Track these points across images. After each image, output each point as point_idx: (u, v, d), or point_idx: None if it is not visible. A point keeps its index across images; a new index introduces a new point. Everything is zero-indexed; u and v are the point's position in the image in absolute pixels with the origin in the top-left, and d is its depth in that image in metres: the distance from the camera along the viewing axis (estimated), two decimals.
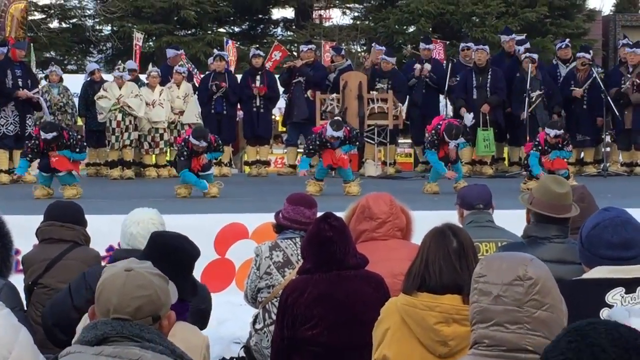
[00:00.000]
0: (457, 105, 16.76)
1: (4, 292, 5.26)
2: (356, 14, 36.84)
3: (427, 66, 17.42)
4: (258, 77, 17.33)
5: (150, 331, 3.28)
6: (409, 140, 20.56)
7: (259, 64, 17.65)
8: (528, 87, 15.89)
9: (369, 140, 16.62)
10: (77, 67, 34.19)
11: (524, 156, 15.04)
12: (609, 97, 15.96)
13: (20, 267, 6.79)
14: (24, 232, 7.15)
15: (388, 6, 33.96)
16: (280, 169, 18.97)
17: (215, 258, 10.03)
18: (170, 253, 4.66)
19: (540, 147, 13.36)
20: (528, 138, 15.35)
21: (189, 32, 35.10)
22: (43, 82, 17.98)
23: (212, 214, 10.84)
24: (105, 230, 8.78)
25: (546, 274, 3.26)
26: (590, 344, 2.42)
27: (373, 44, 19.72)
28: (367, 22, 35.13)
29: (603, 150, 17.09)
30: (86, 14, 35.35)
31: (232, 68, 22.34)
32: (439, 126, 13.40)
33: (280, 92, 18.01)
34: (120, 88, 16.68)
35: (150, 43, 32.89)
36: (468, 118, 15.72)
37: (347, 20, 36.53)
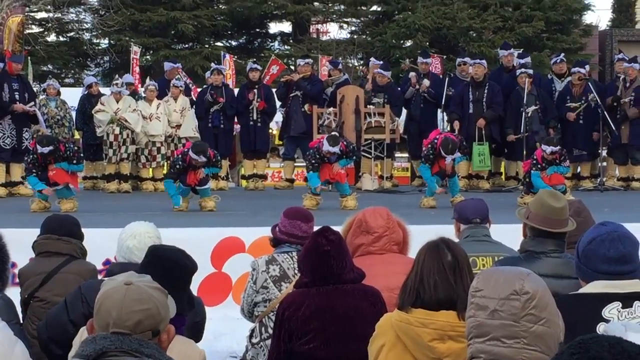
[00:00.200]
0: (451, 118, 16.75)
1: (0, 306, 5.25)
2: (353, 28, 36.91)
3: (426, 82, 17.43)
4: (255, 91, 17.34)
5: (149, 346, 3.27)
6: (406, 155, 20.57)
7: (256, 77, 17.67)
8: (524, 102, 15.91)
9: (366, 155, 16.63)
10: (75, 81, 34.21)
11: (522, 171, 15.06)
12: (605, 111, 15.98)
13: (17, 280, 6.77)
14: (21, 246, 7.15)
15: (385, 21, 34.03)
16: (277, 183, 18.96)
17: (211, 272, 10.02)
18: (168, 267, 4.66)
19: (538, 165, 13.36)
20: (525, 153, 15.38)
21: (187, 45, 35.15)
22: (41, 96, 17.97)
23: (209, 227, 10.83)
24: (101, 243, 8.78)
25: (543, 289, 3.26)
26: (592, 357, 2.42)
27: (371, 59, 19.74)
28: (364, 37, 35.19)
29: (599, 164, 17.11)
30: (84, 27, 35.40)
31: (230, 82, 22.36)
32: (436, 140, 13.40)
33: (277, 106, 18.03)
34: (117, 102, 16.69)
35: (148, 57, 32.92)
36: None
37: (344, 34, 36.62)
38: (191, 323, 5.16)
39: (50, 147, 12.72)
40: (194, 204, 13.27)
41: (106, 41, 35.01)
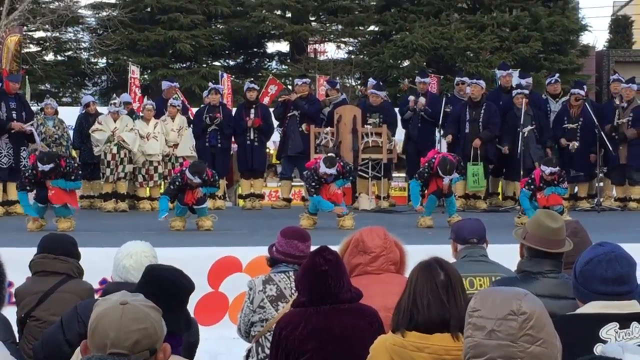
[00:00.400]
0: (445, 133, 16.72)
1: None
2: (351, 48, 36.96)
3: (422, 100, 17.44)
4: (252, 111, 17.36)
5: None
6: (403, 174, 20.58)
7: (253, 97, 17.70)
8: (521, 122, 15.94)
9: (363, 174, 16.63)
10: (72, 100, 34.25)
11: (519, 191, 15.07)
12: (602, 133, 16.00)
13: (13, 299, 6.77)
14: (17, 265, 7.13)
15: (382, 40, 34.10)
16: (275, 202, 18.96)
17: (208, 291, 10.02)
18: (165, 287, 4.65)
19: (533, 185, 13.37)
20: (522, 173, 15.40)
21: (184, 65, 35.21)
22: (39, 115, 17.97)
23: (206, 247, 10.83)
24: (98, 263, 8.76)
25: (540, 309, 3.26)
26: None
27: (370, 79, 19.78)
28: (361, 57, 35.26)
29: (596, 185, 17.11)
30: (81, 46, 35.44)
31: (227, 101, 22.38)
32: (433, 160, 13.42)
33: (275, 126, 18.04)
34: (115, 121, 16.71)
35: (146, 76, 32.96)
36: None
37: (341, 54, 36.68)
38: (186, 343, 5.15)
39: (51, 165, 12.73)
40: (191, 223, 13.27)
41: (104, 60, 35.04)
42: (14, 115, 15.95)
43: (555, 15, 33.20)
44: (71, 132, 18.20)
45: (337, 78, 28.81)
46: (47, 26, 32.07)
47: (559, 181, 13.48)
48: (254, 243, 10.54)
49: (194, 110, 19.36)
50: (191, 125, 17.57)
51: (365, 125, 16.64)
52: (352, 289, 5.31)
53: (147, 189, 17.27)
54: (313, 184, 13.35)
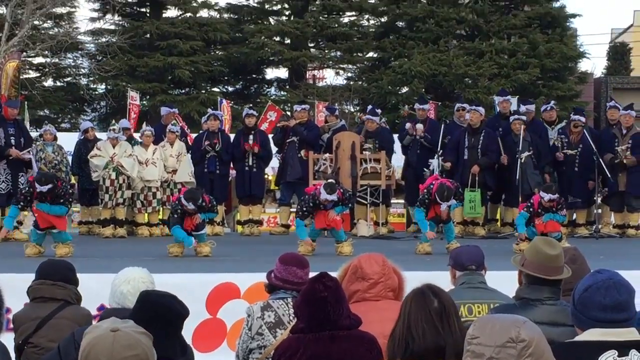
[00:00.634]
0: (442, 161, 16.68)
1: None
2: (350, 74, 37.12)
3: (420, 126, 17.44)
4: (251, 137, 17.37)
5: None
6: (401, 201, 20.58)
7: (252, 123, 17.71)
8: (519, 148, 15.95)
9: (361, 200, 16.63)
10: (71, 126, 34.34)
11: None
12: (600, 160, 16.00)
13: (11, 325, 6.75)
14: (15, 291, 7.13)
15: (381, 67, 34.23)
16: (273, 228, 18.95)
17: (206, 318, 9.99)
18: (161, 312, 4.64)
19: (532, 209, 13.38)
20: (520, 199, 15.41)
21: (183, 91, 35.33)
22: (38, 141, 17.97)
23: (204, 273, 10.81)
24: (96, 289, 8.74)
25: (539, 336, 3.26)
26: None
27: (369, 106, 19.81)
28: (360, 83, 35.38)
29: (595, 211, 17.11)
30: (81, 72, 35.57)
31: (227, 127, 22.42)
32: (432, 186, 13.43)
33: (274, 152, 18.06)
34: (114, 147, 16.72)
35: (145, 102, 33.04)
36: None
37: (340, 80, 36.85)
38: None
39: (50, 186, 12.75)
40: (190, 249, 13.25)
41: (103, 86, 35.17)
42: (13, 141, 15.96)
43: (554, 42, 33.34)
44: (70, 158, 18.19)
45: (336, 104, 28.87)
46: (46, 52, 32.20)
47: (558, 208, 13.49)
48: (252, 269, 10.52)
49: (193, 136, 19.38)
50: (190, 151, 17.57)
51: (364, 152, 16.65)
52: (351, 315, 5.30)
53: (146, 214, 17.26)
54: (305, 208, 13.36)
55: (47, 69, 34.18)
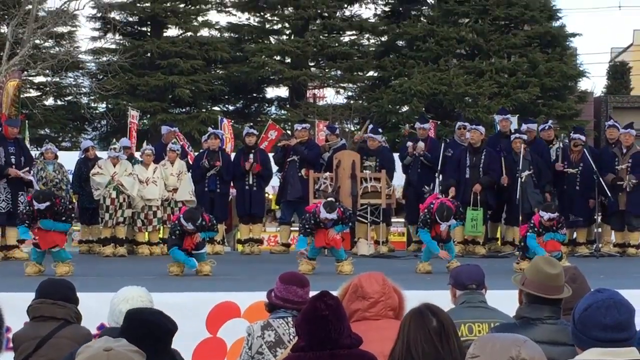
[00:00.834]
0: (446, 185, 16.67)
1: None
2: (350, 93, 37.17)
3: (421, 145, 17.45)
4: (251, 156, 17.39)
5: None
6: (402, 219, 20.57)
7: (252, 142, 17.73)
8: (519, 167, 15.96)
9: (361, 219, 16.63)
10: (72, 144, 34.35)
11: (518, 237, 15.06)
12: (601, 179, 16.00)
13: (11, 344, 6.74)
14: (15, 310, 7.12)
15: (381, 86, 34.28)
16: (273, 247, 18.94)
17: (207, 337, 9.97)
18: (151, 329, 4.65)
19: (535, 229, 13.37)
20: (521, 218, 15.40)
21: (184, 110, 35.38)
22: (38, 160, 17.97)
23: (204, 292, 10.80)
24: (96, 308, 8.73)
25: (540, 356, 3.26)
26: None
27: (370, 125, 19.82)
28: (360, 102, 35.42)
29: (595, 230, 17.09)
30: (81, 91, 35.61)
31: (229, 146, 22.43)
32: (432, 205, 13.43)
33: (274, 171, 18.06)
34: (114, 166, 16.72)
35: (145, 121, 33.07)
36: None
37: (340, 99, 36.88)
38: None
39: (47, 203, 12.76)
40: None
41: (103, 105, 35.22)
42: (13, 160, 15.95)
43: (554, 61, 33.39)
44: (70, 177, 18.19)
45: (336, 123, 28.89)
46: (47, 71, 32.25)
47: (558, 227, 13.49)
48: (252, 288, 10.51)
49: (194, 154, 19.40)
50: (190, 170, 17.58)
51: (364, 171, 16.66)
52: (352, 334, 5.29)
53: (146, 233, 17.25)
54: (307, 225, 13.37)
55: (47, 88, 34.22)
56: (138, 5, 35.40)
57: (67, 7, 31.09)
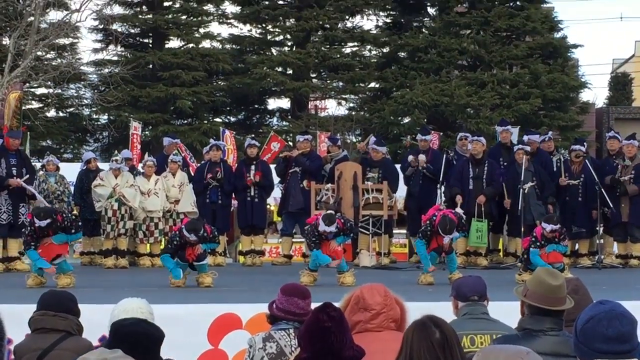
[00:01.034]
0: (452, 192, 16.65)
1: None
2: (351, 104, 37.14)
3: (422, 157, 17.45)
4: (253, 167, 17.39)
5: None
6: (404, 231, 20.56)
7: (253, 153, 17.74)
8: (522, 178, 15.96)
9: (363, 231, 16.62)
10: (74, 156, 34.33)
11: (520, 248, 15.05)
12: (603, 190, 16.00)
13: (12, 357, 6.73)
14: (17, 322, 7.10)
15: (383, 97, 34.29)
16: (275, 259, 18.93)
17: (208, 349, 9.96)
18: (139, 340, 4.64)
19: (538, 242, 13.35)
20: (523, 230, 15.39)
21: (185, 121, 35.37)
22: (40, 172, 17.98)
23: (206, 304, 10.79)
24: (98, 320, 8.70)
25: None
26: None
27: (371, 136, 19.83)
28: (362, 113, 35.41)
29: (597, 242, 17.08)
30: (83, 103, 35.60)
31: (232, 157, 22.43)
32: (434, 217, 13.41)
33: (276, 182, 18.06)
34: (116, 177, 16.73)
35: (147, 132, 33.07)
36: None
37: (342, 110, 36.84)
38: None
39: (48, 220, 12.73)
40: (191, 279, 13.24)
41: (105, 117, 35.20)
42: (14, 172, 15.96)
43: (555, 72, 33.40)
44: (72, 188, 18.19)
45: (338, 134, 28.90)
46: (49, 83, 32.24)
47: (560, 239, 13.48)
48: (254, 300, 10.50)
49: (196, 165, 19.41)
50: (191, 182, 17.58)
51: (366, 182, 16.66)
52: (354, 346, 5.28)
53: (148, 245, 17.25)
54: (313, 239, 13.36)
55: (49, 100, 34.22)
56: (140, 17, 35.43)
57: (69, 19, 31.12)
